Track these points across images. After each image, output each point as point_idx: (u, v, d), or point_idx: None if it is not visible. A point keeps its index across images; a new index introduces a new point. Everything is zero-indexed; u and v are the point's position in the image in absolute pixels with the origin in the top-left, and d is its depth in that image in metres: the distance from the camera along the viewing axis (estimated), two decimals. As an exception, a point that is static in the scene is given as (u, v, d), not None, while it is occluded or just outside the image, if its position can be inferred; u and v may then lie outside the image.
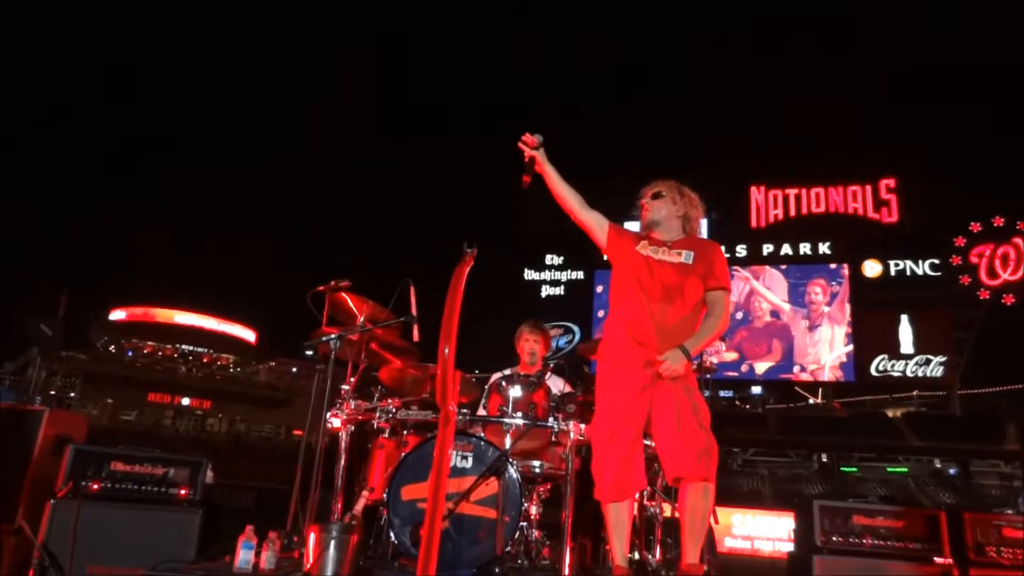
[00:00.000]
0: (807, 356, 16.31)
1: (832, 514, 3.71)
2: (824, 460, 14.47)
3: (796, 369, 16.39)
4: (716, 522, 3.37)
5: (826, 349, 16.21)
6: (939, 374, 15.50)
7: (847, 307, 16.26)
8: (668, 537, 3.81)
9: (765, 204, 17.93)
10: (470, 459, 3.29)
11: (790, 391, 18.13)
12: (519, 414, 3.56)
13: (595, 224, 3.18)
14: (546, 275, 19.29)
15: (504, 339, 4.92)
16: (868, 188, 17.37)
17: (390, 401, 3.74)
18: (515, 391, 3.66)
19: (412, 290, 3.65)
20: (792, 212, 17.77)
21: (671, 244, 3.10)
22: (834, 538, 3.64)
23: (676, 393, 2.88)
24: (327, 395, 3.71)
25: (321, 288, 3.94)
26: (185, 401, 36.88)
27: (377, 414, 3.71)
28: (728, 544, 8.82)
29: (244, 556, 2.92)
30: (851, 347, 16.01)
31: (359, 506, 3.48)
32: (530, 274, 19.40)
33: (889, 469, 13.87)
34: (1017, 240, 15.63)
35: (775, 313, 16.84)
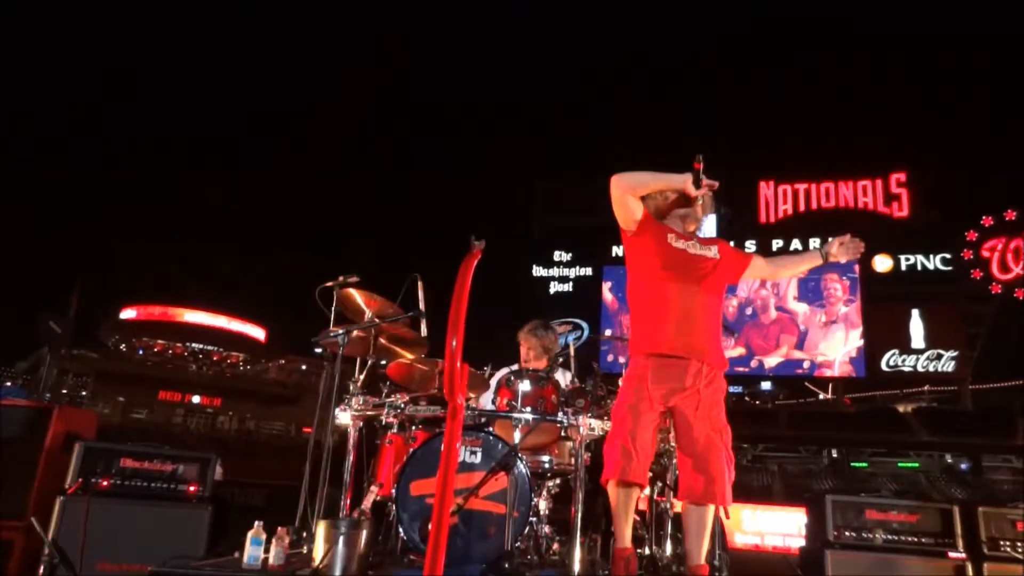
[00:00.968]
0: (816, 350, 16.23)
1: (844, 509, 3.68)
2: (834, 455, 14.41)
3: (806, 364, 16.31)
4: (727, 517, 3.35)
5: (837, 344, 16.11)
6: (950, 369, 15.39)
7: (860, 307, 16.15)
8: (679, 532, 3.78)
9: (774, 199, 17.84)
10: (479, 454, 3.28)
11: (800, 387, 18.06)
12: (528, 409, 3.54)
13: (635, 205, 3.05)
14: (555, 271, 19.27)
15: (511, 336, 4.91)
16: (879, 182, 17.26)
17: (398, 397, 3.73)
18: (524, 386, 3.64)
19: (420, 285, 3.63)
20: (801, 207, 17.68)
21: (698, 241, 3.11)
22: (847, 533, 3.61)
23: (709, 411, 2.87)
24: (335, 391, 3.70)
25: (329, 284, 3.93)
26: (195, 399, 37.08)
27: (385, 410, 3.70)
28: (739, 540, 8.80)
29: (253, 552, 2.91)
30: (862, 342, 15.91)
31: (368, 502, 3.47)
32: (539, 270, 19.38)
33: (900, 464, 13.79)
34: (1030, 233, 15.51)
35: (781, 307, 16.76)
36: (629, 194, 3.02)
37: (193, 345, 42.42)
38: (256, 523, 2.99)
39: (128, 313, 43.15)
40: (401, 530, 3.21)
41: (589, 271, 18.58)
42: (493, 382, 4.08)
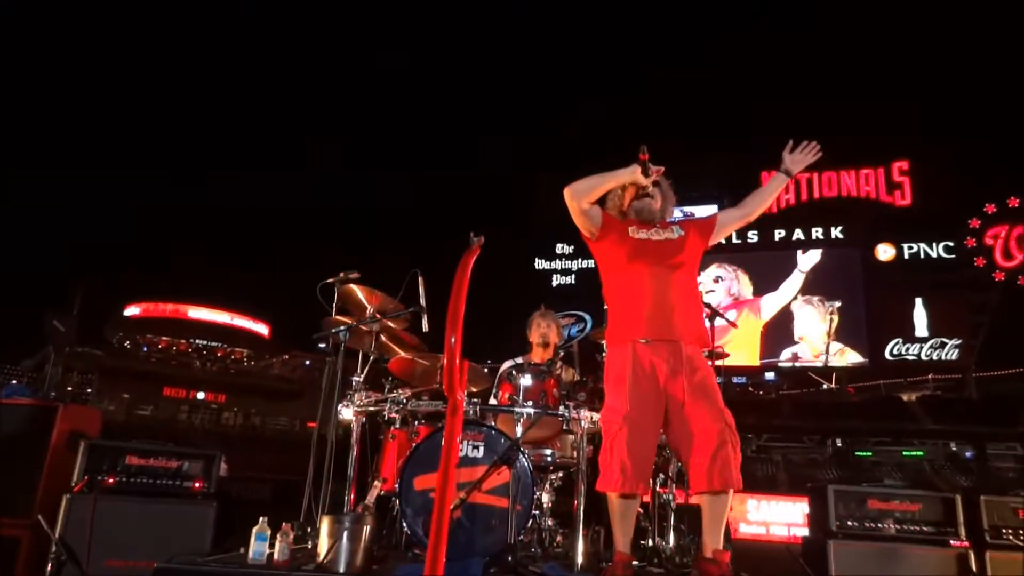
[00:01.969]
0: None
1: (847, 498, 3.68)
2: (839, 445, 14.41)
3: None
4: (730, 509, 3.36)
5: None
6: (954, 357, 15.40)
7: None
8: (681, 524, 3.80)
9: (776, 189, 17.81)
10: (481, 448, 3.29)
11: (804, 377, 18.05)
12: (530, 403, 3.55)
13: (591, 215, 3.13)
14: (557, 264, 19.29)
15: (516, 329, 4.92)
16: (881, 171, 17.21)
17: (400, 392, 3.74)
18: (525, 380, 3.65)
19: (421, 280, 3.65)
20: (804, 196, 17.64)
21: (660, 226, 3.13)
22: (849, 523, 3.62)
23: (704, 395, 2.86)
24: (338, 387, 3.72)
25: (331, 280, 3.95)
26: (200, 395, 37.17)
27: (388, 405, 3.72)
28: (743, 530, 8.81)
29: (258, 548, 2.93)
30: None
31: (371, 496, 3.49)
32: (541, 263, 19.40)
33: (904, 453, 13.79)
34: (1033, 220, 15.47)
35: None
36: (585, 202, 3.08)
37: (197, 341, 42.47)
38: (261, 519, 3.01)
39: (132, 310, 43.23)
40: (405, 524, 3.23)
41: (591, 263, 18.57)
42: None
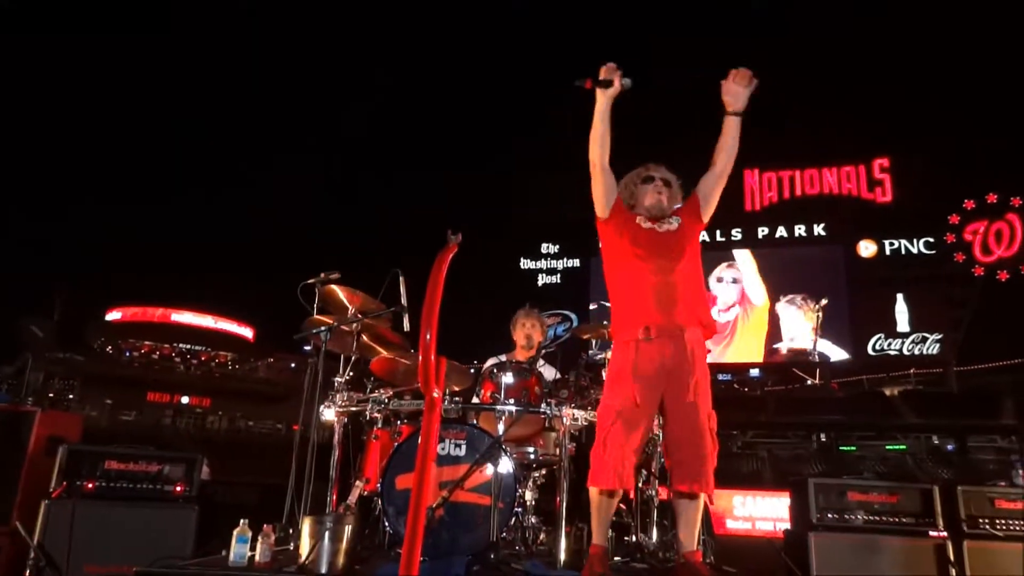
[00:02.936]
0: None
1: (827, 491, 3.72)
2: (823, 439, 14.51)
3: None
4: (712, 503, 3.38)
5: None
6: (935, 351, 15.55)
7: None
8: (664, 519, 3.82)
9: (759, 187, 17.92)
10: (464, 447, 3.29)
11: (788, 373, 18.17)
12: (512, 401, 3.56)
13: (608, 186, 3.14)
14: (542, 264, 19.29)
15: (501, 329, 4.92)
16: (862, 168, 17.37)
17: (382, 392, 3.74)
18: (507, 378, 3.66)
19: (402, 280, 3.64)
20: (786, 194, 17.77)
21: (664, 220, 3.15)
22: (829, 515, 3.65)
23: (695, 398, 2.87)
24: (319, 388, 3.71)
25: (311, 280, 3.94)
26: (184, 400, 36.90)
27: (369, 405, 3.71)
28: (729, 526, 8.86)
29: (239, 550, 2.92)
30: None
31: (354, 496, 3.48)
32: (526, 263, 19.39)
33: (888, 447, 13.91)
34: (1011, 216, 15.66)
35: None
36: (596, 161, 3.08)
37: (180, 345, 42.11)
38: (242, 521, 3.00)
39: (113, 315, 42.79)
40: (387, 524, 3.23)
41: (577, 262, 18.62)
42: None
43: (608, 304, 3.20)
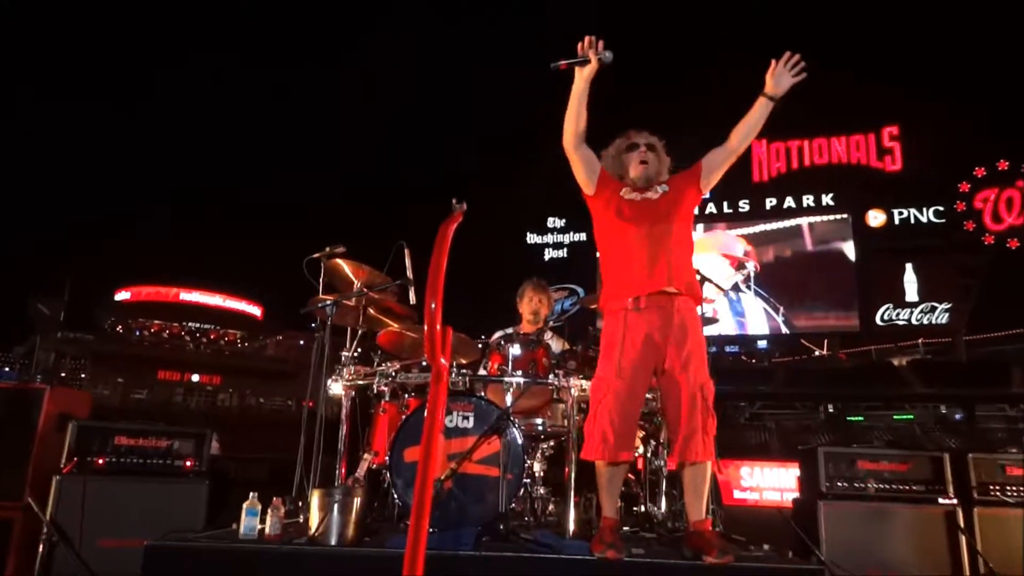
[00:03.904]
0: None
1: (836, 460, 3.70)
2: (831, 410, 14.53)
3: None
4: (720, 472, 3.38)
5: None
6: (944, 321, 15.47)
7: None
8: (673, 489, 3.82)
9: (767, 157, 17.75)
10: (471, 419, 3.29)
11: (796, 344, 18.14)
12: (519, 372, 3.55)
13: (587, 164, 3.09)
14: (548, 238, 19.24)
15: (508, 303, 4.91)
16: (871, 137, 17.16)
17: (389, 365, 3.73)
18: (515, 350, 3.65)
19: (407, 253, 3.61)
20: (795, 164, 17.59)
21: (653, 187, 3.09)
22: (839, 483, 3.64)
23: (685, 368, 2.85)
24: (325, 362, 3.70)
25: (316, 255, 3.92)
26: (195, 378, 37.26)
27: (376, 378, 3.71)
28: (737, 496, 8.91)
29: (249, 523, 2.93)
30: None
31: (362, 469, 3.49)
32: (532, 237, 19.35)
33: (895, 417, 13.92)
34: (1022, 183, 15.48)
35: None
36: (570, 141, 3.04)
37: (190, 324, 42.38)
38: (252, 494, 3.01)
39: (123, 295, 43.05)
40: (396, 496, 3.24)
41: (583, 236, 18.55)
42: None
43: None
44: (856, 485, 3.63)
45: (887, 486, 3.62)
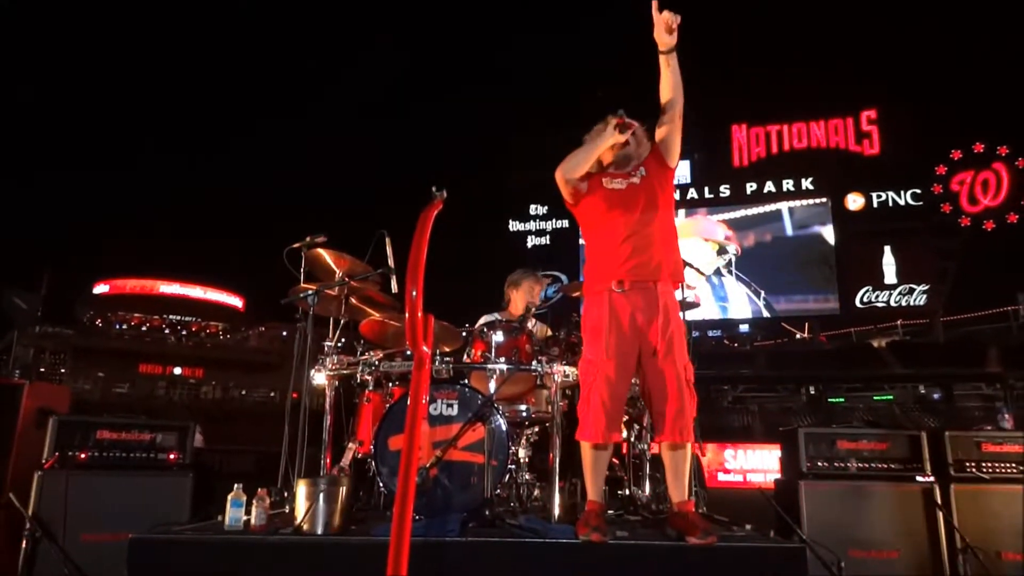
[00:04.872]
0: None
1: (817, 440, 3.75)
2: (812, 392, 14.74)
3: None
4: (703, 454, 3.41)
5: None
6: (922, 302, 15.72)
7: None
8: (657, 472, 3.85)
9: (747, 142, 17.84)
10: (455, 406, 3.30)
11: (777, 327, 18.34)
12: (502, 359, 3.56)
13: (577, 189, 3.10)
14: (531, 225, 19.27)
15: (492, 292, 4.90)
16: (850, 121, 17.30)
17: (372, 354, 3.73)
18: (498, 336, 3.66)
19: (388, 242, 3.60)
20: (774, 149, 17.72)
21: (629, 172, 3.09)
22: (819, 463, 3.69)
23: (669, 350, 2.87)
24: (308, 352, 3.69)
25: (296, 245, 3.89)
26: (177, 371, 36.89)
27: (360, 368, 3.70)
28: (721, 478, 9.03)
29: (234, 514, 2.92)
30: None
31: (347, 458, 3.49)
32: (515, 225, 19.35)
33: (875, 397, 14.14)
34: (998, 165, 15.71)
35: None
36: (577, 179, 3.06)
37: (170, 317, 41.93)
38: (236, 486, 3.00)
39: (101, 288, 42.50)
40: (382, 484, 3.24)
41: (566, 223, 18.60)
42: None
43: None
44: (836, 464, 3.69)
45: (866, 465, 3.68)
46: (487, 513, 3.01)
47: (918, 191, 16.41)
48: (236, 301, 45.39)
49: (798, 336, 18.30)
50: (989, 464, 3.67)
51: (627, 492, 3.75)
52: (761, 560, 2.68)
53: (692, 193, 17.56)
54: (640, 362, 2.92)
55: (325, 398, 3.78)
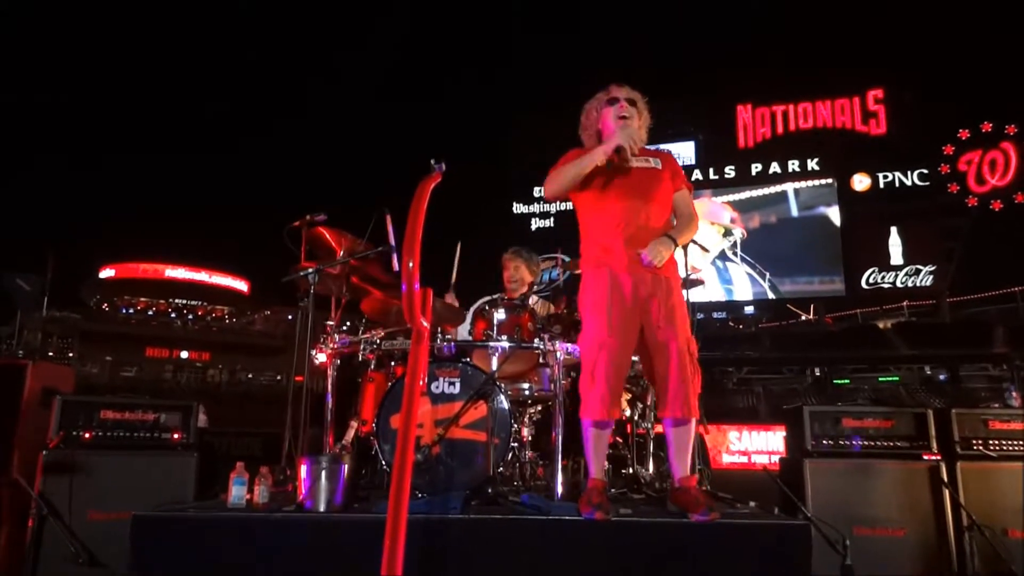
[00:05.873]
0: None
1: (822, 419, 3.73)
2: (817, 374, 14.71)
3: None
4: (707, 432, 3.40)
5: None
6: (928, 283, 15.59)
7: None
8: (660, 451, 3.85)
9: (752, 123, 17.67)
10: (458, 384, 3.29)
11: (782, 309, 18.27)
12: (504, 337, 3.54)
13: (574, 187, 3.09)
14: (535, 207, 19.16)
15: (494, 275, 4.89)
16: (856, 100, 17.10)
17: (374, 333, 3.71)
18: (499, 315, 3.64)
19: (388, 219, 3.57)
20: (780, 129, 17.53)
21: (637, 153, 3.05)
22: (824, 442, 3.67)
23: (671, 323, 2.85)
24: (309, 332, 3.68)
25: (296, 224, 3.87)
26: (184, 354, 37.13)
27: (362, 347, 3.69)
28: (726, 460, 9.03)
29: (237, 492, 2.93)
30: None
31: (349, 436, 3.49)
32: (519, 207, 19.26)
33: (880, 379, 14.11)
34: (1006, 144, 15.52)
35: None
36: (562, 193, 3.12)
37: (177, 301, 42.13)
38: (238, 464, 3.00)
39: (107, 272, 42.66)
40: (384, 463, 3.24)
41: (570, 205, 18.48)
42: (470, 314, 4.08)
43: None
44: (841, 442, 3.67)
45: (872, 442, 3.66)
46: (490, 491, 3.01)
47: (925, 171, 16.23)
48: (242, 285, 45.54)
49: (803, 318, 18.24)
50: (996, 442, 3.65)
51: (631, 471, 3.75)
52: (765, 537, 2.67)
53: (697, 174, 17.43)
54: (643, 336, 2.89)
55: (327, 378, 3.78)
